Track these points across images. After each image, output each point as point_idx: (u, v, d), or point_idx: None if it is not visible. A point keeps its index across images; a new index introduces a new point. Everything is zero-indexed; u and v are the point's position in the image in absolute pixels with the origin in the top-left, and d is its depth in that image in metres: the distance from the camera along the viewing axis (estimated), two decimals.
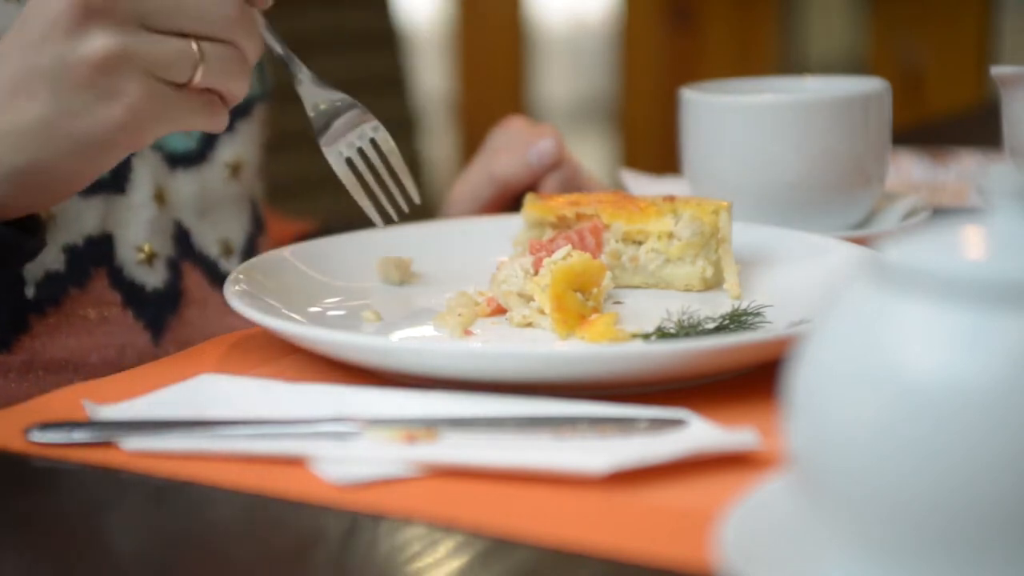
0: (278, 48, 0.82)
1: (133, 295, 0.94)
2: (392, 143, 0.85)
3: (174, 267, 0.97)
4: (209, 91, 0.76)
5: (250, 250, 1.03)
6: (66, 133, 0.73)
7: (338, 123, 0.84)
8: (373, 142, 0.85)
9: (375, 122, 0.85)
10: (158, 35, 0.73)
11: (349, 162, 0.84)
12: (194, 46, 0.73)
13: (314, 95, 0.84)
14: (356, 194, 0.84)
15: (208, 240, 1.00)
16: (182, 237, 0.98)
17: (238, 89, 0.77)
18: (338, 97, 0.84)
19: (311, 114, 0.84)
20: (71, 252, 0.90)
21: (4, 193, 0.75)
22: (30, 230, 0.80)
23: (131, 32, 0.72)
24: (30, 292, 0.89)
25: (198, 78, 0.74)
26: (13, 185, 0.75)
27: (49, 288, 0.89)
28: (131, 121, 0.73)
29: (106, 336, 0.92)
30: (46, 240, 0.82)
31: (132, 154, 0.94)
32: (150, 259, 0.95)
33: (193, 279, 0.98)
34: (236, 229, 1.03)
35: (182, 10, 0.73)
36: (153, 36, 0.73)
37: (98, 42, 0.71)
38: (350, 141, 0.84)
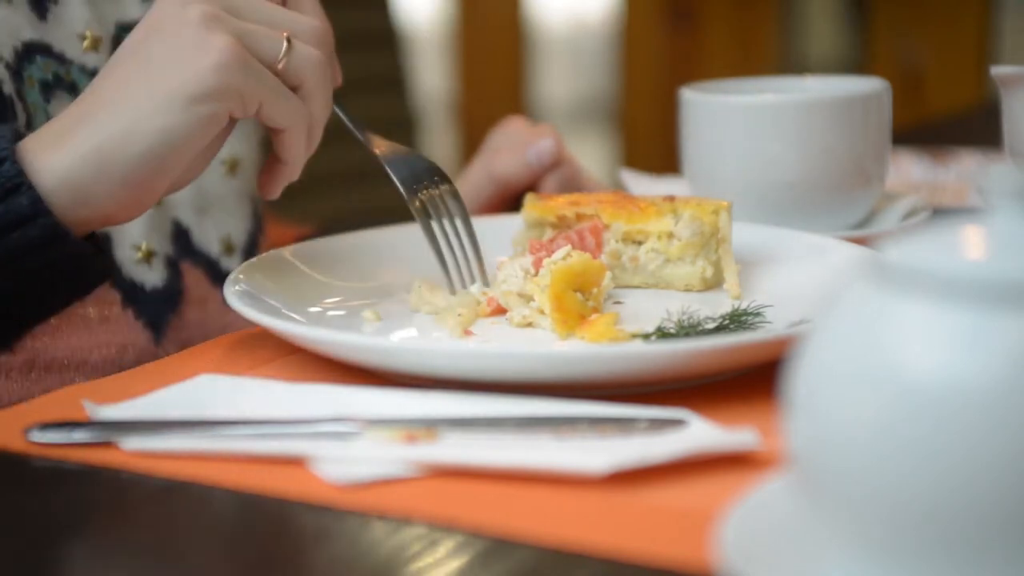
0: (344, 118, 0.87)
1: (133, 294, 0.94)
2: (466, 209, 0.89)
3: (173, 266, 0.97)
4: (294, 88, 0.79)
5: (251, 248, 1.03)
6: (155, 88, 0.75)
7: (416, 178, 0.89)
8: (448, 207, 0.89)
9: (450, 184, 0.89)
10: (251, 22, 0.78)
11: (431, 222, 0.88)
12: (284, 38, 0.78)
13: (394, 163, 0.88)
14: (442, 260, 0.88)
15: (209, 238, 1.00)
16: (181, 236, 0.98)
17: (321, 93, 0.80)
18: (412, 154, 0.89)
19: (398, 180, 0.88)
20: None
21: (81, 180, 0.75)
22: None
23: (227, 9, 0.77)
24: None
25: (283, 64, 0.77)
26: (94, 170, 0.75)
27: None
28: (217, 66, 0.74)
29: (107, 335, 0.92)
30: (113, 260, 0.84)
31: None
32: (148, 258, 0.95)
33: (193, 278, 0.98)
34: (237, 227, 1.03)
35: (274, 13, 0.79)
36: (247, 20, 0.78)
37: (198, 7, 0.76)
38: (433, 201, 0.88)
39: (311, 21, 0.80)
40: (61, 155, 0.75)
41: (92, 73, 0.91)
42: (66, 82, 0.90)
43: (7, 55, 0.87)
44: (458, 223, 0.89)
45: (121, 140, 0.75)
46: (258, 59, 0.77)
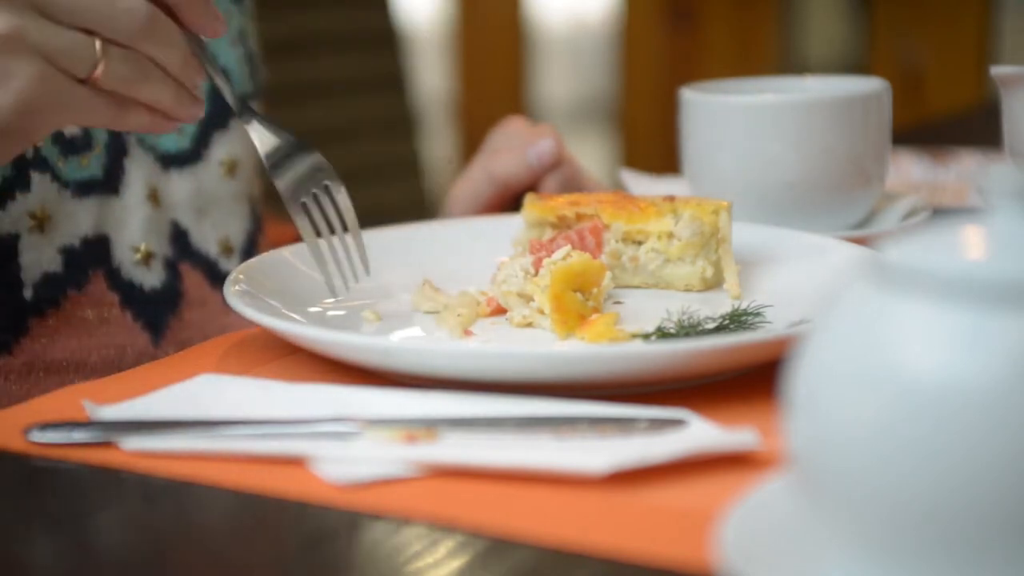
0: (219, 81, 0.80)
1: (131, 295, 0.94)
2: (349, 203, 0.84)
3: (172, 267, 0.97)
4: (115, 93, 0.74)
5: (250, 248, 1.03)
6: None
7: (296, 168, 0.83)
8: (331, 199, 0.84)
9: (334, 177, 0.84)
10: (59, 25, 0.71)
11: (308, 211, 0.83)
12: (97, 44, 0.72)
13: (262, 135, 0.82)
14: (317, 256, 0.83)
15: (208, 239, 1.00)
16: (180, 237, 0.98)
17: (154, 96, 0.75)
18: (289, 139, 0.83)
19: (263, 154, 0.82)
20: (68, 254, 0.91)
21: None
22: None
23: (30, 17, 0.70)
24: (28, 294, 0.89)
25: (99, 74, 0.72)
26: None
27: (47, 290, 0.90)
28: (22, 105, 0.71)
29: (106, 337, 0.92)
30: None
31: (123, 155, 0.94)
32: (147, 259, 0.95)
33: (192, 279, 0.98)
34: (236, 227, 1.03)
35: (88, 8, 0.71)
36: (54, 25, 0.71)
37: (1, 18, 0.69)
38: (309, 190, 0.83)
39: (131, 8, 0.72)
40: None
41: None
42: None
43: None
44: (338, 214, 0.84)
45: None
46: (69, 75, 0.72)
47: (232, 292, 0.78)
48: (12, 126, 0.72)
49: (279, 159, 0.82)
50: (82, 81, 0.72)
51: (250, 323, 0.76)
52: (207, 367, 0.76)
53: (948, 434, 0.41)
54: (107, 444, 0.63)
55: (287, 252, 0.90)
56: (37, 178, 0.88)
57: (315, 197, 0.83)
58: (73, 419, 0.65)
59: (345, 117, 2.05)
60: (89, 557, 0.56)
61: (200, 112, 0.78)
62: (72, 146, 0.91)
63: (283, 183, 0.82)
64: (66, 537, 0.57)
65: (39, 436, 0.64)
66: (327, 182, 0.83)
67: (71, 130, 0.90)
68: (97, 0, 0.72)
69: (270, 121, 0.83)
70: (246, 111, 0.82)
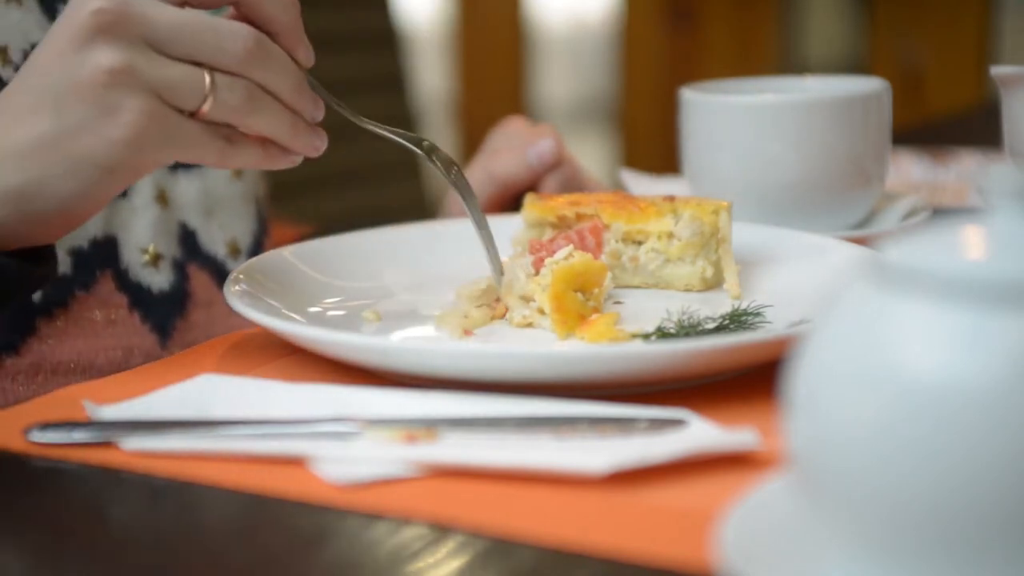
0: (334, 105, 0.80)
1: (139, 297, 0.94)
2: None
3: (180, 269, 0.97)
4: (227, 126, 0.74)
5: (256, 249, 1.03)
6: (67, 150, 0.71)
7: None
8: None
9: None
10: (168, 59, 0.71)
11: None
12: (206, 76, 0.71)
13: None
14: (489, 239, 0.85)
15: (215, 241, 1.00)
16: (188, 238, 0.98)
17: (267, 126, 0.74)
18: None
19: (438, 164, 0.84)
20: (77, 255, 0.91)
21: (3, 218, 0.73)
22: (35, 260, 0.77)
23: (140, 51, 0.70)
24: (37, 295, 0.89)
25: (207, 108, 0.72)
26: (12, 209, 0.72)
27: (56, 291, 0.90)
28: (131, 140, 0.71)
29: (113, 338, 0.92)
30: (56, 270, 0.79)
31: None
32: (155, 261, 0.95)
33: (199, 281, 0.98)
34: (242, 229, 1.03)
35: (196, 38, 0.71)
36: (162, 59, 0.71)
37: (103, 56, 0.70)
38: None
39: (237, 33, 0.72)
40: None
41: None
42: None
43: (17, 59, 0.87)
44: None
45: (36, 190, 0.72)
46: (177, 110, 0.72)
47: (232, 292, 0.79)
48: (121, 162, 0.72)
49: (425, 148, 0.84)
50: (192, 115, 0.72)
51: (254, 325, 0.76)
52: (207, 367, 0.76)
53: (948, 434, 0.41)
54: (107, 444, 0.63)
55: (287, 252, 0.90)
56: None
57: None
58: (73, 419, 0.65)
59: (345, 117, 2.05)
60: (89, 557, 0.56)
61: (322, 143, 0.78)
62: None
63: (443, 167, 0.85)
64: (66, 537, 0.57)
65: (39, 436, 0.64)
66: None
67: None
68: (203, 28, 0.71)
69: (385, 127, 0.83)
70: (365, 122, 0.82)
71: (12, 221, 0.73)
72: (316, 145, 0.78)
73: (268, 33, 0.74)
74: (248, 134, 0.75)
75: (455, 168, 0.86)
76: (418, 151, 0.84)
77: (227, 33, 0.72)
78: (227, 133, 0.74)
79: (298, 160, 0.78)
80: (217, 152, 0.74)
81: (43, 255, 0.77)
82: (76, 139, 0.71)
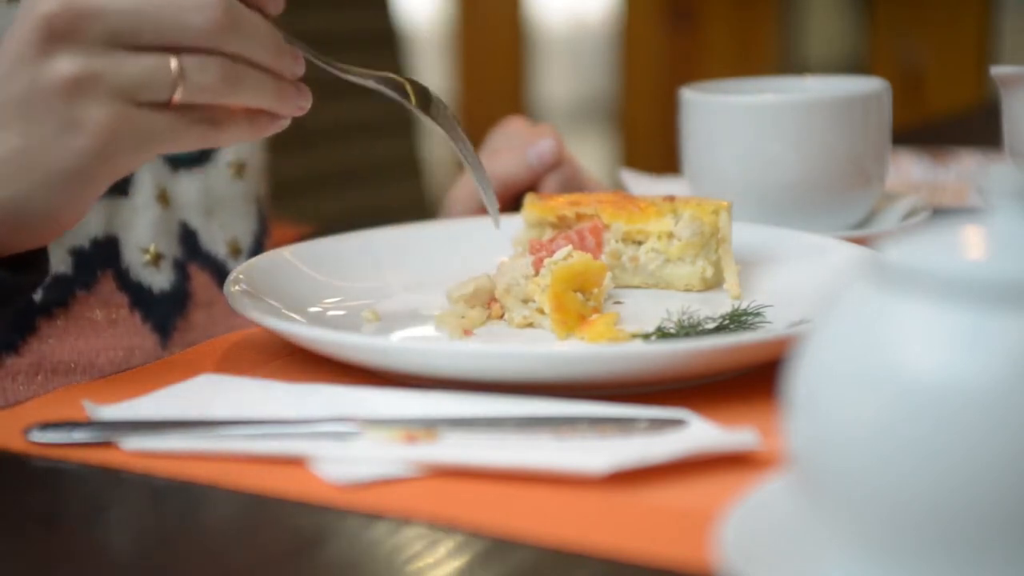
0: (307, 53, 0.75)
1: (140, 297, 0.94)
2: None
3: (181, 269, 0.97)
4: (207, 106, 0.70)
5: (257, 249, 1.03)
6: (39, 164, 0.68)
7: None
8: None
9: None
10: (130, 53, 0.67)
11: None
12: (172, 62, 0.67)
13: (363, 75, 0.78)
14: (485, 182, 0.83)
15: (216, 241, 1.00)
16: (189, 238, 0.98)
17: (252, 97, 0.70)
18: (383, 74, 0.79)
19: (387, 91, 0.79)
20: (77, 255, 0.91)
21: None
22: (24, 265, 0.75)
23: (98, 53, 0.66)
24: (38, 295, 0.89)
25: (179, 96, 0.67)
26: (8, 210, 0.70)
27: (56, 291, 0.89)
28: (100, 149, 0.67)
29: (114, 338, 0.92)
30: (47, 272, 0.77)
31: None
32: (156, 260, 0.95)
33: (200, 281, 0.98)
34: (243, 229, 1.03)
35: (156, 22, 0.66)
36: (123, 55, 0.67)
37: (62, 66, 0.66)
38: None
39: (200, 5, 0.67)
40: None
41: None
42: None
43: None
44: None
45: (19, 204, 0.70)
46: (149, 105, 0.67)
47: (232, 292, 0.79)
48: (94, 172, 0.69)
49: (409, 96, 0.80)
50: (165, 105, 0.68)
51: (254, 324, 0.76)
52: (207, 367, 0.76)
53: (948, 434, 0.41)
54: (107, 444, 0.63)
55: (287, 252, 0.90)
56: None
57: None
58: (73, 419, 0.65)
59: (345, 117, 2.05)
60: (89, 557, 0.56)
61: (308, 101, 0.73)
62: None
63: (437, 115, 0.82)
64: (66, 537, 0.57)
65: (39, 436, 0.64)
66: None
67: None
68: (161, 10, 0.67)
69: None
70: (337, 69, 0.77)
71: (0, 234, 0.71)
72: (302, 105, 0.73)
73: None
74: (232, 108, 0.71)
75: (445, 108, 0.84)
76: (409, 105, 0.80)
77: (190, 8, 0.67)
78: (207, 115, 0.70)
79: (287, 123, 0.74)
80: (198, 137, 0.70)
81: (35, 258, 0.76)
82: (46, 153, 0.68)
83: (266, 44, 0.70)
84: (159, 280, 0.95)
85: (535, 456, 0.59)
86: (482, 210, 1.04)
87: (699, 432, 0.62)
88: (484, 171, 0.83)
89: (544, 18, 3.98)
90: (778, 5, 3.31)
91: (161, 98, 0.68)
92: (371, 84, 0.78)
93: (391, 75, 0.80)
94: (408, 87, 0.80)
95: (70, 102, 0.66)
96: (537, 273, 0.82)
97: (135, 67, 0.67)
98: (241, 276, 0.82)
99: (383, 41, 2.14)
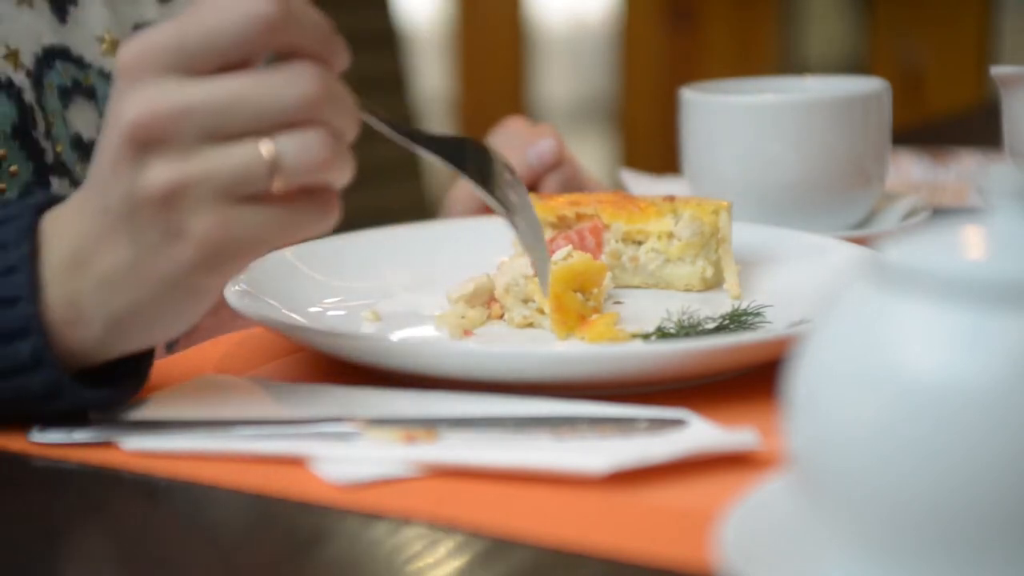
0: (384, 127, 0.71)
1: None
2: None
3: None
4: (305, 191, 0.63)
5: None
6: (152, 275, 0.63)
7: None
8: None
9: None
10: (223, 146, 0.61)
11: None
12: (263, 150, 0.60)
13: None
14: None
15: None
16: None
17: (340, 178, 0.63)
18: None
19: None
20: None
21: (105, 338, 0.65)
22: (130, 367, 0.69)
23: (191, 154, 0.61)
24: None
25: (278, 184, 0.61)
26: (115, 331, 0.65)
27: None
28: (207, 258, 0.62)
29: None
30: (144, 379, 0.70)
31: None
32: None
33: None
34: None
35: (251, 109, 0.61)
36: (216, 151, 0.61)
37: (156, 175, 0.61)
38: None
39: (297, 76, 0.61)
40: (80, 331, 0.65)
41: (110, 77, 0.90)
42: (84, 86, 0.90)
43: (28, 62, 0.86)
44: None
45: (133, 316, 0.65)
46: (248, 200, 0.61)
47: (232, 292, 0.79)
48: (205, 282, 0.64)
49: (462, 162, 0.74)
50: (267, 196, 0.62)
51: (254, 324, 0.76)
52: (207, 367, 0.76)
53: (948, 434, 0.41)
54: (107, 444, 0.63)
55: (287, 252, 0.90)
56: (56, 183, 0.88)
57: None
58: (73, 419, 0.65)
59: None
60: (89, 557, 0.56)
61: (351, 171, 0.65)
62: (90, 151, 0.90)
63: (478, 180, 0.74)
64: (66, 537, 0.57)
65: (39, 436, 0.64)
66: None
67: (88, 135, 0.90)
68: (257, 93, 0.61)
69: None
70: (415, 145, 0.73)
71: (114, 338, 0.66)
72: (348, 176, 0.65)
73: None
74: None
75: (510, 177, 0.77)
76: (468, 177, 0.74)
77: (282, 85, 0.61)
78: (307, 200, 0.63)
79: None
80: (309, 224, 0.63)
81: (141, 360, 0.70)
82: (154, 264, 0.63)
83: (354, 115, 0.64)
84: None
85: (535, 456, 0.59)
86: (482, 210, 1.04)
87: (699, 432, 0.62)
88: (545, 254, 0.78)
89: (544, 18, 3.98)
90: (778, 5, 3.31)
91: (258, 189, 0.61)
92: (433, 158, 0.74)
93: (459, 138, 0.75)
94: (469, 156, 0.75)
95: (170, 212, 0.61)
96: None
97: (227, 162, 0.61)
98: (241, 276, 0.82)
99: (383, 41, 2.14)
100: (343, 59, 0.64)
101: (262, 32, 0.60)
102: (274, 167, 0.61)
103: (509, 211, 0.75)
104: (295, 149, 0.61)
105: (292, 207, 0.62)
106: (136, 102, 0.61)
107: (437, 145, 0.74)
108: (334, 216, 0.64)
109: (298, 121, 0.61)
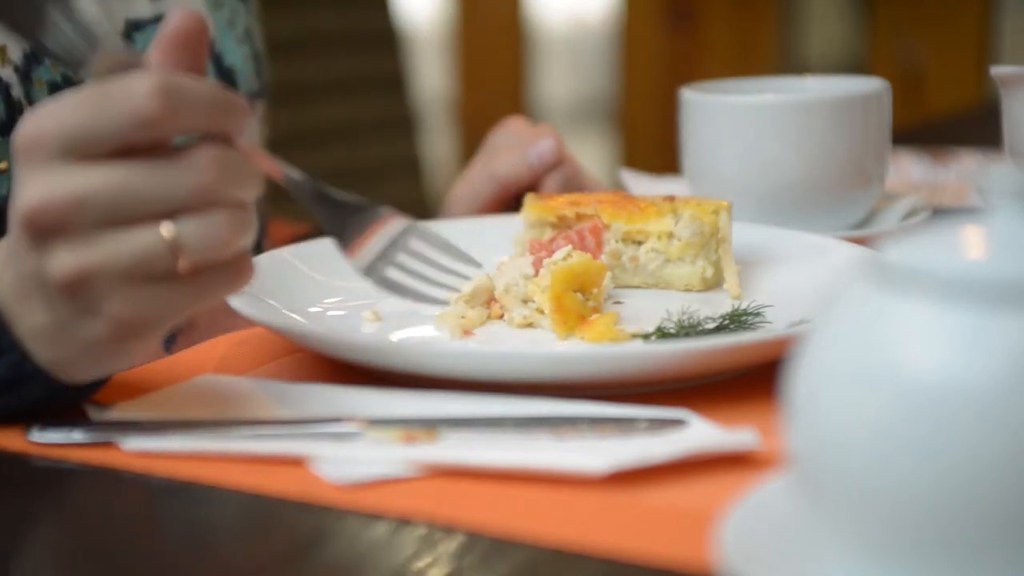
0: (292, 186, 0.70)
1: None
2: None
3: None
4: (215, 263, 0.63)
5: (256, 251, 1.03)
6: (71, 340, 0.64)
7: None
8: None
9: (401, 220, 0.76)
10: (124, 231, 0.61)
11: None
12: (164, 232, 0.60)
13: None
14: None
15: None
16: None
17: (246, 243, 0.63)
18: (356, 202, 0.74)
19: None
20: None
21: (52, 369, 0.65)
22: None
23: (92, 240, 0.61)
24: None
25: (183, 264, 0.61)
26: (55, 370, 0.65)
27: None
28: (122, 332, 0.63)
29: None
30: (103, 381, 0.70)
31: None
32: None
33: None
34: None
35: (145, 196, 0.60)
36: (116, 236, 0.61)
37: (59, 262, 0.61)
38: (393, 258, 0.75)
39: (191, 177, 0.61)
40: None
41: None
42: (74, 83, 0.90)
43: (16, 58, 0.86)
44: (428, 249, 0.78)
45: (65, 367, 0.65)
46: (154, 280, 0.61)
47: None
48: (125, 345, 0.64)
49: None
50: (170, 275, 0.62)
51: (254, 324, 0.76)
52: (207, 367, 0.76)
53: (948, 434, 0.41)
54: (107, 444, 0.63)
55: (287, 252, 0.90)
56: None
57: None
58: (73, 419, 0.65)
59: (345, 117, 2.05)
60: (89, 557, 0.56)
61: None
62: None
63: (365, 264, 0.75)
64: (66, 537, 0.57)
65: (39, 436, 0.64)
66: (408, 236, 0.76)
67: None
68: (149, 181, 0.61)
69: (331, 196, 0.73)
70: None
71: (61, 376, 0.66)
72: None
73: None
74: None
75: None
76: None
77: (178, 172, 0.61)
78: (225, 267, 0.63)
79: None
80: (220, 291, 0.64)
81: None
82: (72, 331, 0.64)
83: (256, 184, 0.64)
84: None
85: (535, 456, 0.59)
86: (482, 210, 1.04)
87: (699, 432, 0.62)
88: None
89: (544, 18, 3.98)
90: (778, 5, 3.31)
91: (164, 273, 0.61)
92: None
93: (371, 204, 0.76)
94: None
95: (79, 295, 0.62)
96: (537, 273, 0.82)
97: (128, 247, 0.61)
98: None
99: (383, 41, 2.14)
100: (242, 123, 0.63)
101: (144, 128, 0.60)
102: (176, 249, 0.61)
103: (390, 290, 0.75)
104: (197, 231, 0.61)
105: (203, 279, 0.62)
106: (32, 189, 0.61)
107: (333, 210, 0.73)
108: (248, 277, 0.64)
109: (199, 204, 0.61)
